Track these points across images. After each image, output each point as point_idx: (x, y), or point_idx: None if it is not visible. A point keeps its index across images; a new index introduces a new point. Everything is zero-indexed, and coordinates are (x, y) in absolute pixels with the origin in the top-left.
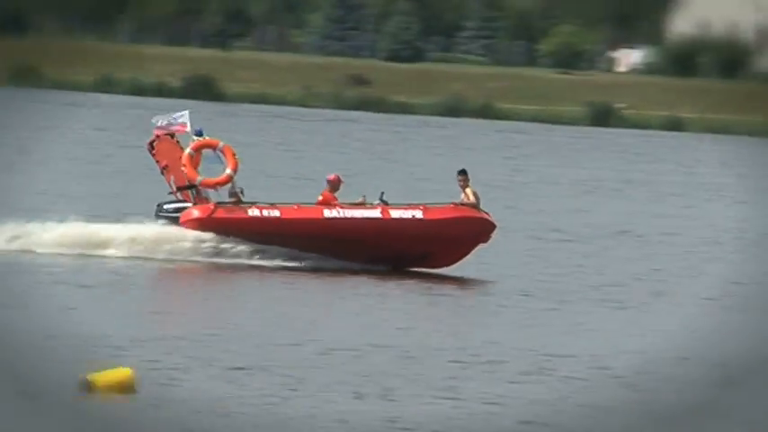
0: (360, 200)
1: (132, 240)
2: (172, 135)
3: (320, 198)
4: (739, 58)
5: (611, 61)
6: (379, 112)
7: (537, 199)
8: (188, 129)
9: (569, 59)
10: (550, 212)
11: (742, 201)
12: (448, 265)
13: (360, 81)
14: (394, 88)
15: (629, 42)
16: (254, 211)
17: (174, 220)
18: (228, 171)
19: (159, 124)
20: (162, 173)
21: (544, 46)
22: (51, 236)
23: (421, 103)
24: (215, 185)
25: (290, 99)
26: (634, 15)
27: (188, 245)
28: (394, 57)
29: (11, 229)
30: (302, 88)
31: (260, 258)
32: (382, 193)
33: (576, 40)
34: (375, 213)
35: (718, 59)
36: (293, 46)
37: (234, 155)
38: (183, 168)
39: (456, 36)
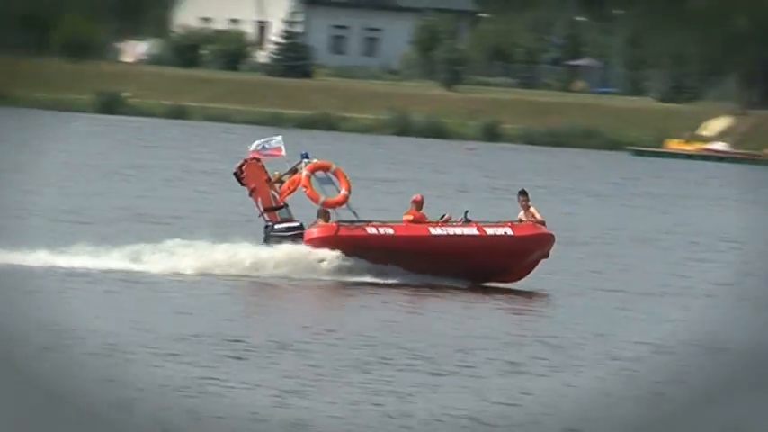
0: (446, 217)
1: (279, 261)
2: (258, 159)
3: (410, 217)
4: (240, 51)
5: (119, 51)
6: None
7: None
8: (283, 153)
9: (78, 49)
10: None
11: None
12: (519, 279)
13: None
14: None
15: (137, 34)
16: (371, 230)
17: (286, 240)
18: (344, 191)
19: (255, 149)
20: (250, 195)
21: (54, 35)
22: (221, 258)
23: None
24: (335, 205)
25: None
26: (139, 8)
27: (325, 263)
28: None
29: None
30: None
31: (378, 276)
32: (466, 211)
33: (83, 30)
34: (473, 231)
35: (220, 52)
36: None
37: (345, 176)
38: (304, 190)
39: None
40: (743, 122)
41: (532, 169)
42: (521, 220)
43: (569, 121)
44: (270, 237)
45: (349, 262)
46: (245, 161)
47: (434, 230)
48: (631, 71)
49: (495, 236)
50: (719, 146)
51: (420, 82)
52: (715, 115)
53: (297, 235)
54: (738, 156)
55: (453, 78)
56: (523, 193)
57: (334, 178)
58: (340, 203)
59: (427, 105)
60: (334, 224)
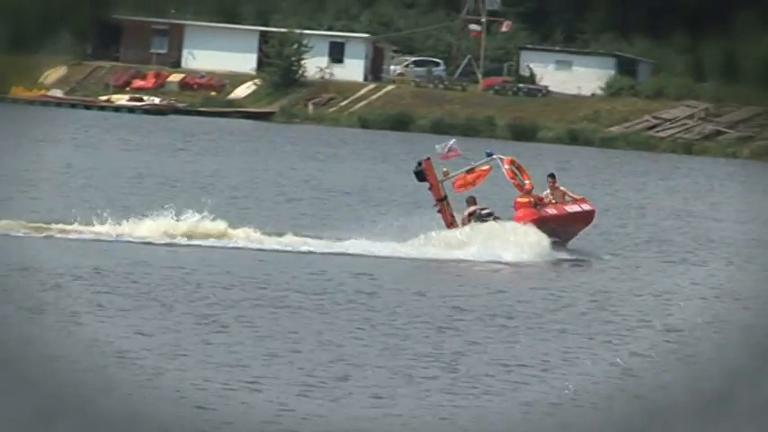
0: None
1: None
2: (429, 159)
3: (528, 199)
4: None
5: None
6: None
7: None
8: (460, 153)
9: None
10: None
11: None
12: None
13: None
14: None
15: None
16: (552, 210)
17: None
18: (528, 181)
19: (442, 152)
20: (429, 189)
21: None
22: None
23: None
24: (529, 192)
25: None
26: None
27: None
28: None
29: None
30: None
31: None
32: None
33: None
34: (580, 207)
35: None
36: None
37: (525, 169)
38: (511, 180)
39: None
40: (77, 72)
41: None
42: (549, 198)
43: None
44: (478, 220)
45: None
46: (423, 161)
47: (570, 208)
48: None
49: (590, 210)
50: (57, 93)
51: None
52: (52, 65)
53: (495, 219)
54: (74, 101)
55: None
56: (552, 176)
57: (517, 171)
58: (530, 191)
59: None
60: (533, 209)
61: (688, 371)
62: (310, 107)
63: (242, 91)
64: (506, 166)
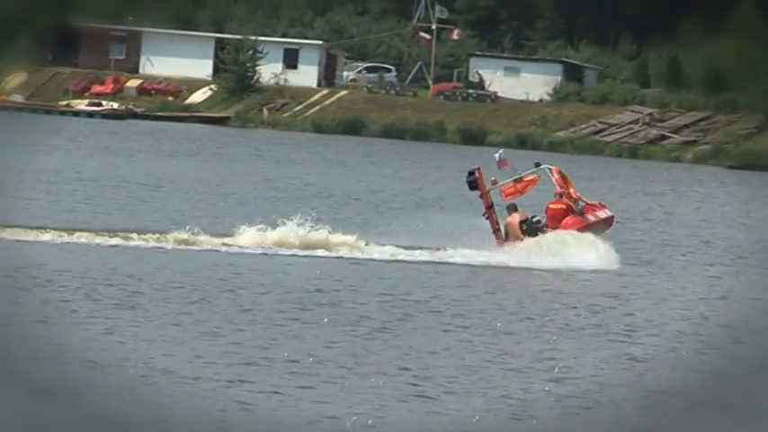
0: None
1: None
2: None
3: (561, 206)
4: None
5: None
6: None
7: None
8: (509, 165)
9: None
10: None
11: None
12: None
13: None
14: None
15: None
16: (591, 217)
17: (541, 231)
18: (572, 190)
19: (498, 162)
20: (480, 197)
21: None
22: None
23: None
24: (577, 201)
25: None
26: None
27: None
28: None
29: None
30: None
31: None
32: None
33: None
34: (605, 213)
35: None
36: None
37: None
38: (561, 189)
39: None
40: (38, 77)
41: None
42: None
43: None
44: (530, 229)
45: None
46: (475, 170)
47: (602, 214)
48: None
49: (611, 216)
50: (17, 98)
51: None
52: (13, 71)
53: (543, 226)
54: (34, 106)
55: None
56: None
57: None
58: (576, 200)
59: None
60: (581, 217)
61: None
62: (265, 112)
63: (198, 96)
64: (556, 176)
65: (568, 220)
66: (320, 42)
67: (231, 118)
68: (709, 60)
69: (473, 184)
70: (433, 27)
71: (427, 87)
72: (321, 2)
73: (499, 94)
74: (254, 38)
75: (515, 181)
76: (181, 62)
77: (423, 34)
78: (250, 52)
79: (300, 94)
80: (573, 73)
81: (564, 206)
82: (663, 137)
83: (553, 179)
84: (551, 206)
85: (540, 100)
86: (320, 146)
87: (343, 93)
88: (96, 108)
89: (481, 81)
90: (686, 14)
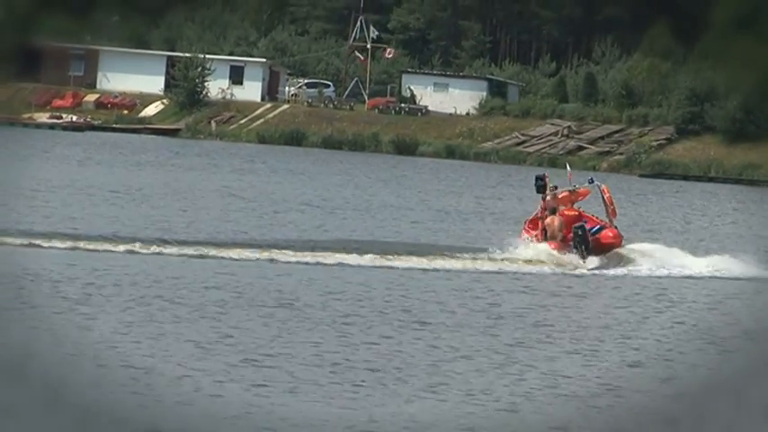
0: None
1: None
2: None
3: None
4: None
5: None
6: None
7: None
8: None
9: None
10: None
11: None
12: None
13: None
14: None
15: None
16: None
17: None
18: (613, 207)
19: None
20: (543, 200)
21: None
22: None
23: None
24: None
25: None
26: None
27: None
28: None
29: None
30: None
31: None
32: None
33: None
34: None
35: None
36: None
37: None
38: (610, 205)
39: None
40: (2, 92)
41: None
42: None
43: None
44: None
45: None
46: (542, 177)
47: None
48: None
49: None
50: None
51: None
52: None
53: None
54: None
55: None
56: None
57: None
58: (615, 215)
59: None
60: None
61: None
62: (213, 124)
63: (151, 110)
64: (607, 194)
65: (609, 231)
66: (264, 60)
67: (182, 129)
68: (623, 77)
69: (541, 187)
70: (368, 46)
71: (363, 102)
72: (265, 23)
73: (429, 108)
74: (202, 56)
75: (570, 192)
76: (135, 78)
77: (357, 53)
78: (199, 69)
79: (246, 107)
80: (497, 89)
81: (576, 213)
82: (580, 147)
83: (605, 197)
84: (565, 212)
85: (467, 113)
86: (266, 156)
87: (285, 107)
88: (57, 120)
89: (413, 96)
90: (602, 35)
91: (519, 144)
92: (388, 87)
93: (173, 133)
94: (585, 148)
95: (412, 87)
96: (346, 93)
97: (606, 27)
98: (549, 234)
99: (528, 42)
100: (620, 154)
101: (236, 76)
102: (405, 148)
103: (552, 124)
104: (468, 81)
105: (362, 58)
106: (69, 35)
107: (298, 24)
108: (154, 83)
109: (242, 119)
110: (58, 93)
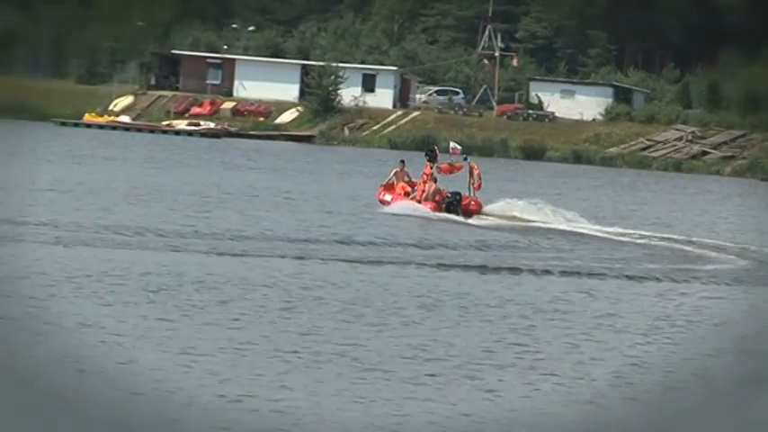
0: None
1: None
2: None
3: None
4: None
5: None
6: None
7: None
8: (459, 151)
9: None
10: None
11: None
12: None
13: None
14: None
15: None
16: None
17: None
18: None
19: (452, 148)
20: (431, 169)
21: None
22: None
23: None
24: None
25: None
26: None
27: None
28: None
29: None
30: None
31: None
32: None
33: None
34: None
35: None
36: None
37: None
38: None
39: None
40: (143, 100)
41: None
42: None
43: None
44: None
45: None
46: (433, 149)
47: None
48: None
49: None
50: (125, 118)
51: None
52: (121, 94)
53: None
54: (139, 126)
55: None
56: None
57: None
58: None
59: None
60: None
61: None
62: (346, 131)
63: (286, 117)
64: (477, 170)
65: (473, 200)
66: (395, 68)
67: (316, 136)
68: (746, 84)
69: (432, 158)
70: (497, 54)
71: (492, 108)
72: (396, 32)
73: (556, 115)
74: (335, 64)
75: (449, 165)
76: (270, 86)
77: (486, 61)
78: (332, 77)
79: (378, 114)
80: (622, 95)
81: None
82: (704, 152)
83: (475, 173)
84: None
85: (594, 119)
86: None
87: (416, 113)
88: (195, 128)
89: (540, 102)
90: (726, 43)
91: (644, 149)
92: (516, 94)
93: (307, 140)
94: (709, 152)
95: (539, 94)
96: (475, 100)
97: (730, 34)
98: (425, 196)
99: (652, 50)
100: (744, 158)
101: (369, 84)
102: (533, 153)
103: (677, 130)
104: (595, 88)
105: (491, 65)
106: (207, 45)
107: (428, 33)
108: (288, 91)
109: (374, 125)
110: (196, 101)
